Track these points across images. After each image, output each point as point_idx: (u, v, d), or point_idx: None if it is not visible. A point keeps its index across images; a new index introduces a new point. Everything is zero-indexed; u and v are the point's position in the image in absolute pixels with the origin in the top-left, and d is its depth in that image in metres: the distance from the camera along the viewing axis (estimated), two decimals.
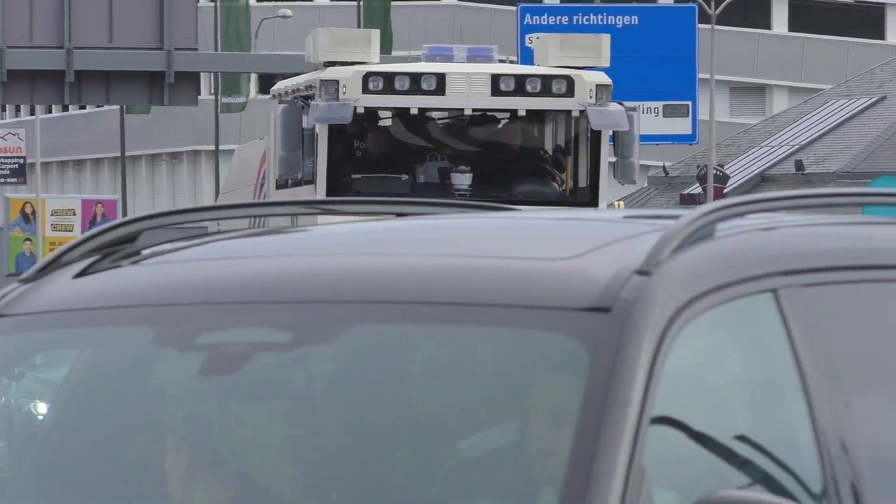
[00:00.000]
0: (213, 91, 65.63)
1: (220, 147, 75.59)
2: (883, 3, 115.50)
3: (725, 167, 74.48)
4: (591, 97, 17.89)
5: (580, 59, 18.03)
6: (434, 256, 3.94)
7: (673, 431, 3.37)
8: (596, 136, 18.44)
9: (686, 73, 63.46)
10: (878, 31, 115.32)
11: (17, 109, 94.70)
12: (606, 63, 18.44)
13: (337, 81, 17.55)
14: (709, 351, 3.63)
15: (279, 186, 19.26)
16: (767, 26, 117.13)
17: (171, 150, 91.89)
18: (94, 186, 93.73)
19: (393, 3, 56.60)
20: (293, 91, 19.13)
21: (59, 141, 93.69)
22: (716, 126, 70.90)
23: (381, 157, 18.57)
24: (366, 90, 17.80)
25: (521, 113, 18.43)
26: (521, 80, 18.00)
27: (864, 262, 3.99)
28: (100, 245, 4.25)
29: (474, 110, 18.44)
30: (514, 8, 54.95)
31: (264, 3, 65.88)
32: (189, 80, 42.66)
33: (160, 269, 4.20)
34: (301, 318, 3.84)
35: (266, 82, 78.79)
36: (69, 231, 73.82)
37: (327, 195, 16.71)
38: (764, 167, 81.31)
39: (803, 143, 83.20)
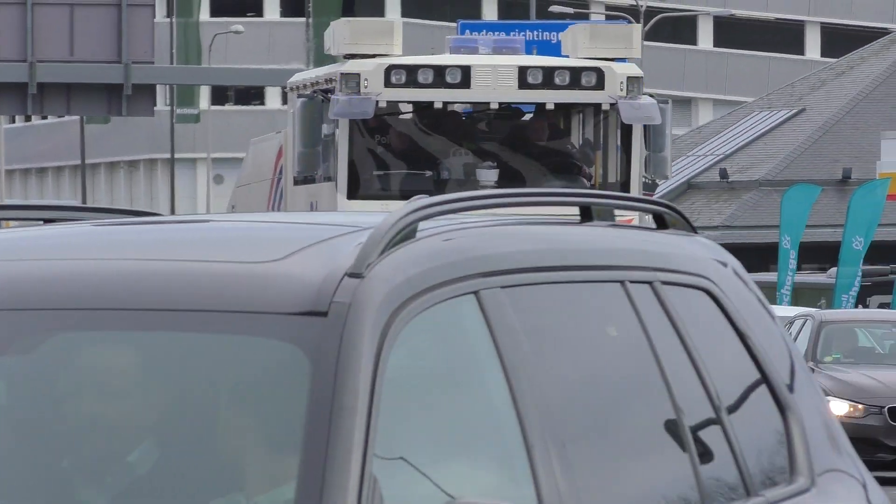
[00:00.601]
0: (168, 102, 65.85)
1: (176, 156, 76.05)
2: (802, 21, 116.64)
3: None
4: (621, 90, 16.72)
5: (610, 51, 17.11)
6: (136, 261, 3.59)
7: (399, 436, 3.18)
8: (627, 131, 17.17)
9: None
10: (797, 47, 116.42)
11: None
12: (637, 54, 17.85)
13: (358, 75, 16.33)
14: (424, 353, 3.45)
15: (297, 182, 18.14)
16: (694, 42, 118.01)
17: (129, 159, 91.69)
18: (56, 193, 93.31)
19: (340, 19, 56.90)
20: (312, 84, 17.78)
21: (22, 150, 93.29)
22: None
23: (404, 153, 17.33)
24: (388, 84, 16.56)
25: (550, 107, 17.30)
26: (549, 72, 16.76)
27: (554, 264, 3.92)
28: None
29: (500, 104, 17.44)
30: (455, 24, 55.29)
31: (217, 19, 66.01)
32: (146, 92, 42.69)
33: None
34: None
35: (219, 94, 79.22)
36: None
37: (348, 193, 16.22)
38: (690, 175, 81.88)
39: (727, 152, 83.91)
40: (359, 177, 16.47)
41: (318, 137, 16.52)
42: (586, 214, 4.40)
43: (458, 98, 16.96)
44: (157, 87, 50.33)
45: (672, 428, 3.98)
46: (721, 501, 4.01)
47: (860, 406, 25.90)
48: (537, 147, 17.31)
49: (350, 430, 2.96)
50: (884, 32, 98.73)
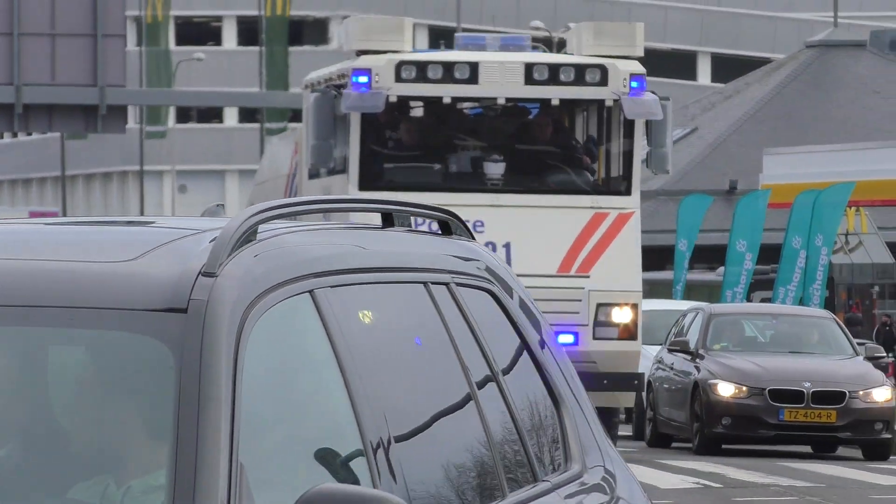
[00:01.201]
0: (138, 121, 64.98)
1: (144, 168, 75.50)
2: (695, 51, 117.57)
3: None
4: (624, 86, 15.58)
5: (614, 48, 16.07)
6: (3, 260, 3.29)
7: (260, 426, 3.06)
8: (629, 126, 16.13)
9: None
10: (690, 73, 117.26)
11: None
12: (640, 52, 16.62)
13: (369, 70, 15.25)
14: (272, 347, 3.30)
15: (311, 176, 17.15)
16: None
17: (104, 171, 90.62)
18: (39, 201, 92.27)
19: (290, 48, 56.48)
20: (326, 80, 16.90)
21: (8, 163, 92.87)
22: None
23: (415, 147, 16.28)
24: (398, 79, 15.49)
25: (555, 102, 16.13)
26: (554, 69, 15.69)
27: (376, 266, 3.81)
28: None
29: (507, 99, 16.25)
30: None
31: (181, 48, 65.31)
32: (118, 112, 42.25)
33: None
34: None
35: (183, 114, 78.49)
36: None
37: (360, 185, 15.18)
38: None
39: None
40: (370, 169, 15.57)
41: (330, 131, 15.51)
42: (388, 220, 4.26)
43: (466, 93, 16.00)
44: (129, 107, 49.64)
45: (473, 414, 3.93)
46: (514, 484, 3.94)
47: (744, 388, 25.88)
48: (542, 141, 16.47)
49: (217, 418, 2.85)
50: (766, 61, 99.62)
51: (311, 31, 79.63)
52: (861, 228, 59.96)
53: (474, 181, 15.40)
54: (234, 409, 2.88)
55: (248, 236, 3.23)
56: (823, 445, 25.85)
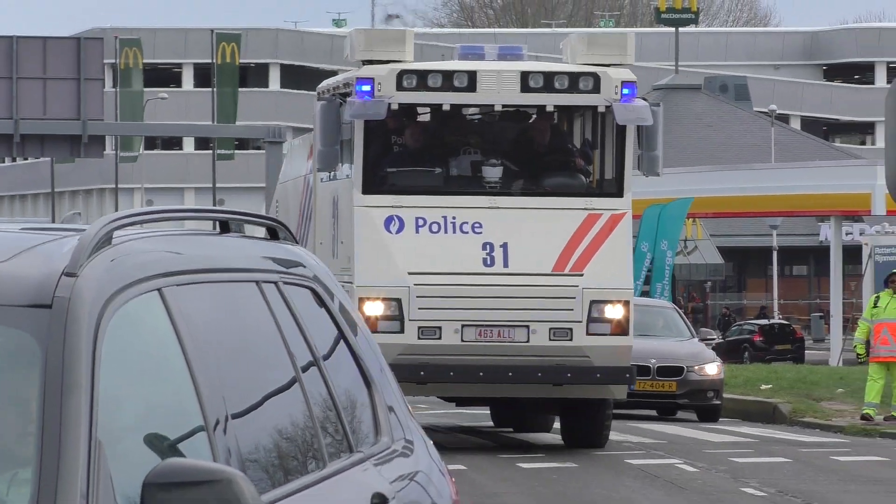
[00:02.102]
0: (114, 148, 64.19)
1: (119, 186, 74.83)
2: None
3: None
4: (616, 93, 13.80)
5: (606, 57, 14.14)
6: None
7: (116, 409, 2.80)
8: (621, 131, 14.14)
9: None
10: None
11: None
12: (632, 60, 14.61)
13: (372, 79, 13.46)
14: (127, 339, 3.01)
15: (323, 180, 15.38)
16: None
17: (86, 188, 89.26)
18: (33, 214, 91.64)
19: (238, 89, 56.10)
20: (333, 89, 14.86)
21: (7, 182, 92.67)
22: None
23: (416, 152, 14.45)
24: (400, 87, 13.63)
25: (550, 109, 14.35)
26: (549, 77, 13.87)
27: (216, 267, 3.55)
28: None
29: (504, 106, 14.38)
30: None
31: (149, 89, 64.18)
32: (98, 141, 42.09)
33: None
34: None
35: (150, 142, 77.87)
36: None
37: (363, 188, 13.51)
38: None
39: None
40: (373, 174, 13.89)
41: (336, 137, 13.83)
42: (224, 227, 3.95)
43: (465, 101, 14.13)
44: (106, 137, 49.42)
45: (298, 395, 3.71)
46: (333, 455, 3.74)
47: None
48: (538, 146, 14.72)
49: (78, 402, 2.62)
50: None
51: (254, 76, 78.90)
52: (697, 235, 61.99)
53: (473, 184, 13.91)
54: (94, 394, 2.68)
55: (104, 241, 2.99)
56: (666, 410, 26.40)
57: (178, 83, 74.93)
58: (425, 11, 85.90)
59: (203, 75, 61.13)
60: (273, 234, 4.11)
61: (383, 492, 3.80)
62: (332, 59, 70.20)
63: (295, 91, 77.26)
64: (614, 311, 13.20)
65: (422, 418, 11.75)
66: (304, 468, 3.52)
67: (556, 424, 15.48)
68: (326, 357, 3.94)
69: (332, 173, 14.16)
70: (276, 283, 3.81)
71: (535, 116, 14.14)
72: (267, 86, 76.06)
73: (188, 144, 75.29)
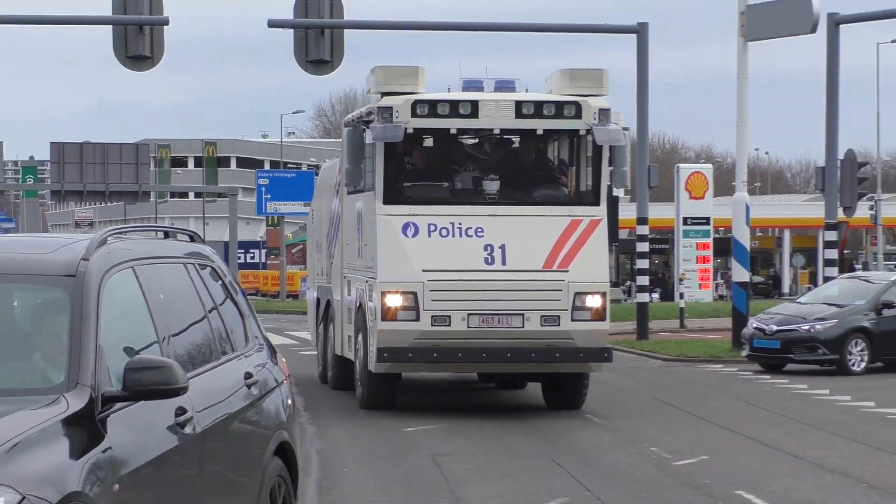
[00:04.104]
0: (155, 197, 70.01)
1: (157, 216, 78.46)
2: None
3: None
4: (594, 119, 13.65)
5: (585, 89, 14.10)
6: None
7: (109, 331, 4.43)
8: (598, 150, 13.96)
9: None
10: None
11: None
12: (607, 92, 14.37)
13: (391, 108, 13.35)
14: (115, 295, 4.62)
15: (349, 193, 15.39)
16: None
17: (140, 217, 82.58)
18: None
19: (218, 169, 63.76)
20: (357, 118, 14.84)
21: (105, 213, 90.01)
22: None
23: (427, 169, 14.32)
24: (414, 115, 13.44)
25: (539, 132, 14.17)
26: (539, 105, 13.81)
27: (158, 255, 5.46)
28: None
29: (501, 130, 14.23)
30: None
31: (173, 168, 69.51)
32: (146, 194, 46.13)
33: None
34: None
35: (172, 194, 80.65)
36: None
37: (384, 200, 13.51)
38: None
39: None
40: (392, 188, 13.73)
41: (360, 157, 13.99)
42: (167, 235, 6.07)
43: (468, 126, 13.97)
44: (151, 192, 54.62)
45: (206, 323, 5.60)
46: (223, 352, 5.65)
47: None
48: (529, 164, 14.65)
49: (89, 326, 4.32)
50: None
51: (223, 161, 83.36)
52: None
53: (475, 196, 13.89)
54: (98, 322, 4.35)
55: (102, 242, 4.75)
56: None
57: (186, 165, 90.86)
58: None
59: (199, 160, 73.98)
60: (192, 239, 6.16)
61: (250, 371, 5.74)
62: (263, 152, 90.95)
63: (244, 169, 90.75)
64: (594, 301, 13.27)
65: (434, 375, 15.71)
66: (208, 360, 5.39)
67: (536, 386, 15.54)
68: (220, 304, 5.86)
69: (356, 187, 14.53)
70: (193, 264, 5.72)
71: (527, 138, 14.37)
72: (229, 166, 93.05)
73: (191, 195, 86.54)
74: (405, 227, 13.67)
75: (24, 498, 3.45)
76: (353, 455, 11.54)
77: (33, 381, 4.26)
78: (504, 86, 14.55)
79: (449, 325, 13.38)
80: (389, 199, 13.75)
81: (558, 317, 13.35)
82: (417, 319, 13.37)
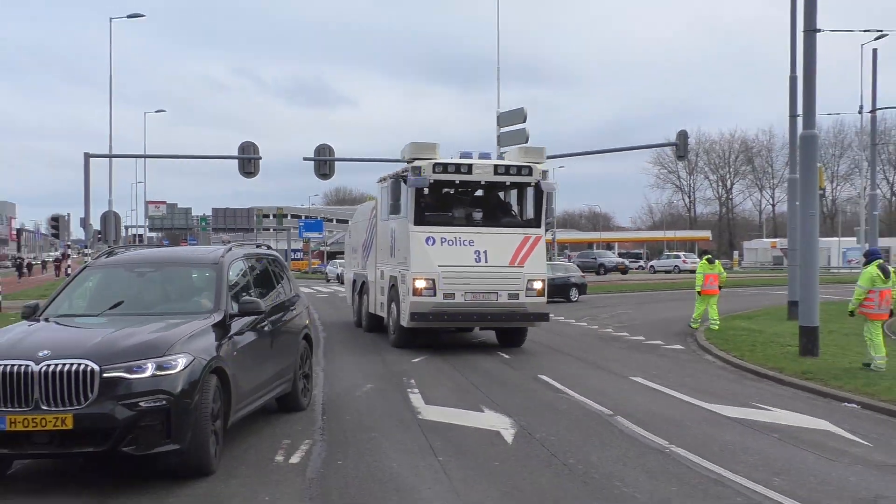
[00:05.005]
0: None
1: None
2: None
3: None
4: (540, 176, 20.37)
5: (533, 159, 20.72)
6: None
7: (234, 290, 10.45)
8: (540, 195, 20.41)
9: None
10: None
11: None
12: (544, 160, 21.10)
13: (420, 167, 19.55)
14: (233, 271, 10.73)
15: (383, 220, 22.26)
16: None
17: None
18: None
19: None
20: (395, 174, 20.77)
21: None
22: None
23: (439, 204, 20.53)
24: (434, 171, 19.68)
25: (507, 183, 20.80)
26: (507, 167, 20.08)
27: (254, 255, 12.41)
28: None
29: (485, 182, 20.72)
30: None
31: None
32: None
33: None
34: None
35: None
36: None
37: (414, 223, 19.70)
38: None
39: None
40: (419, 216, 19.72)
41: (398, 197, 20.14)
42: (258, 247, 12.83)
43: (465, 178, 20.17)
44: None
45: (274, 286, 12.51)
46: (279, 295, 12.29)
47: None
48: (500, 203, 21.17)
49: (223, 285, 10.29)
50: None
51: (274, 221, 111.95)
52: None
53: (468, 222, 20.04)
54: (227, 283, 10.28)
55: (229, 249, 11.21)
56: None
57: (269, 216, 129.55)
58: None
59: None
60: (269, 248, 13.38)
61: (291, 305, 12.61)
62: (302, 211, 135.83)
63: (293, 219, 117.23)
64: (538, 285, 20.14)
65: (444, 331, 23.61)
66: (274, 300, 11.98)
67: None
68: (279, 276, 12.87)
69: (392, 216, 20.82)
70: (269, 258, 12.59)
71: (498, 187, 21.21)
72: (287, 217, 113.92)
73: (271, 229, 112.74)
74: (427, 239, 19.82)
75: (194, 358, 8.38)
76: (352, 355, 20.23)
77: (200, 308, 9.73)
78: (484, 155, 21.17)
79: (454, 299, 19.67)
80: (417, 223, 19.96)
81: (518, 294, 19.91)
82: (435, 295, 19.64)
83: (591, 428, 11.41)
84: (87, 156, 38.42)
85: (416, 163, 20.04)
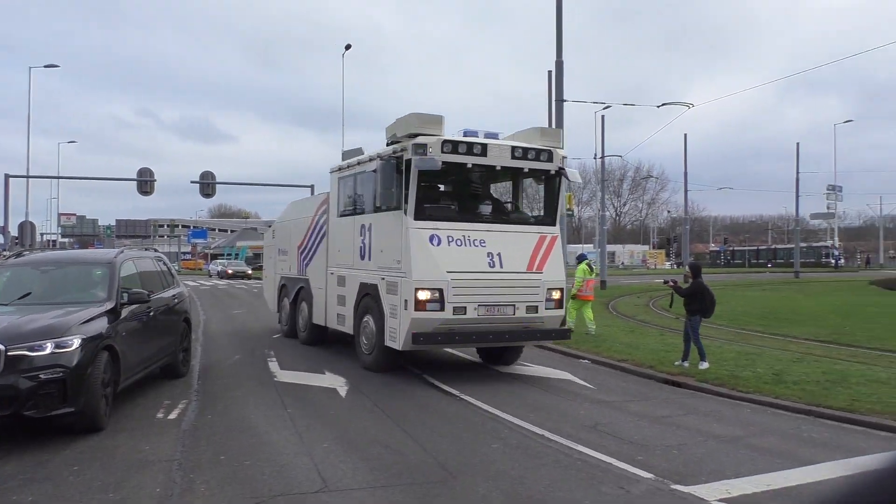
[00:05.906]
0: None
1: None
2: None
3: None
4: (560, 162, 13.31)
5: (552, 142, 13.58)
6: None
7: (122, 281, 9.82)
8: (558, 185, 13.51)
9: None
10: None
11: None
12: (563, 146, 14.03)
13: (425, 145, 12.23)
14: (125, 270, 10.18)
15: (376, 210, 13.51)
16: None
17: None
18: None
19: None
20: (390, 153, 12.99)
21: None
22: None
23: (443, 194, 13.56)
24: (443, 151, 12.37)
25: (525, 170, 13.34)
26: (525, 150, 13.14)
27: (143, 256, 11.54)
28: None
29: (501, 167, 13.07)
30: None
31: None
32: None
33: None
34: None
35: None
36: None
37: (414, 217, 12.32)
38: None
39: None
40: (420, 209, 12.47)
41: (392, 184, 12.66)
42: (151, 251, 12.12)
43: (479, 162, 12.73)
44: None
45: (160, 279, 11.66)
46: (165, 286, 11.67)
47: None
48: (514, 194, 14.53)
49: (115, 279, 9.57)
50: None
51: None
52: None
53: (476, 217, 13.03)
54: (118, 279, 9.62)
55: (121, 252, 10.51)
56: None
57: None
58: None
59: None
60: (156, 251, 12.98)
61: (174, 293, 11.96)
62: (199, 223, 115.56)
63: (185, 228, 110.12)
64: (557, 295, 13.07)
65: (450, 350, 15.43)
66: (159, 290, 11.22)
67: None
68: (165, 272, 12.02)
69: (383, 207, 13.18)
70: (156, 259, 12.00)
71: (514, 173, 13.85)
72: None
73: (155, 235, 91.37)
74: (431, 238, 12.41)
75: (88, 337, 7.95)
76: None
77: (96, 298, 9.12)
78: (491, 135, 13.63)
79: (465, 314, 12.27)
80: (417, 217, 12.40)
81: (537, 306, 12.72)
82: (443, 310, 12.11)
83: (404, 385, 11.51)
84: (8, 176, 36.95)
85: (421, 139, 12.73)
